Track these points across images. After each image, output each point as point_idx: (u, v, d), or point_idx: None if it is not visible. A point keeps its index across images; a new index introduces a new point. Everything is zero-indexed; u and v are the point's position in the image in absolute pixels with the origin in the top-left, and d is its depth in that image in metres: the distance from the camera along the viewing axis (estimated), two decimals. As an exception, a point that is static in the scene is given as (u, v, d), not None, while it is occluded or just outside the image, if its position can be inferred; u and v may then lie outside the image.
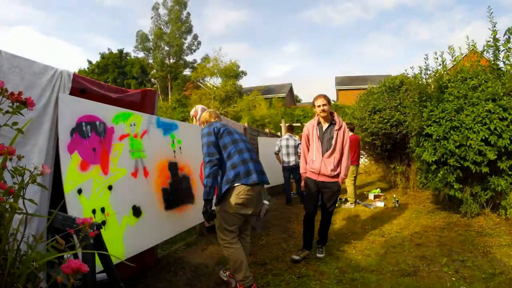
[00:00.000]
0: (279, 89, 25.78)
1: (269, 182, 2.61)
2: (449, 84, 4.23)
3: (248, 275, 2.38)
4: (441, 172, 4.05)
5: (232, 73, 20.43)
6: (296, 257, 3.13)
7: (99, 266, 1.51)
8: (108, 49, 29.95)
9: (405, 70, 6.31)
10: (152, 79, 25.57)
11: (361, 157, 10.34)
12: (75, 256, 1.51)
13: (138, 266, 2.72)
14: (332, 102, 19.52)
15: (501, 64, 4.09)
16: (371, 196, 6.30)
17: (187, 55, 24.93)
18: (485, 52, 4.26)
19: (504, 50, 4.00)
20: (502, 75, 3.96)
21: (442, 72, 4.56)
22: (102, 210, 2.07)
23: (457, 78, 4.23)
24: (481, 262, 2.83)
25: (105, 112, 2.24)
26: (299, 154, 5.73)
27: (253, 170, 2.39)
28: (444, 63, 4.56)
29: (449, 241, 3.47)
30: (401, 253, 3.23)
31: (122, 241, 2.18)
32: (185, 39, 24.31)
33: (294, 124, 14.00)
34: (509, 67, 3.96)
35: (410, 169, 6.28)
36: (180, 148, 3.15)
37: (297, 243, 3.74)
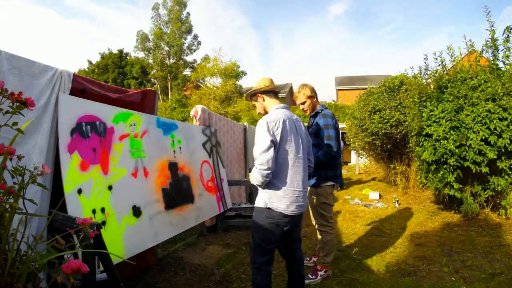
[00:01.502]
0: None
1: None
2: (448, 84, 4.23)
3: None
4: (441, 172, 4.05)
5: (232, 73, 20.42)
6: None
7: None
8: (108, 49, 29.96)
9: (405, 70, 6.32)
10: (152, 79, 25.56)
11: (361, 157, 10.35)
12: (75, 256, 1.51)
13: (138, 266, 2.72)
14: (332, 102, 19.53)
15: (501, 64, 4.10)
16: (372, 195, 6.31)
17: (187, 55, 24.93)
18: (484, 52, 4.27)
19: (503, 49, 4.01)
20: (501, 75, 3.96)
21: (442, 72, 4.57)
22: (102, 210, 2.07)
23: (457, 78, 4.23)
24: (481, 262, 2.83)
25: (105, 112, 2.24)
26: None
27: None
28: (443, 63, 4.57)
29: (449, 241, 3.47)
30: (401, 253, 3.24)
31: (122, 241, 2.18)
32: (185, 39, 24.30)
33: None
34: (508, 67, 3.96)
35: (410, 169, 6.28)
36: (180, 148, 3.15)
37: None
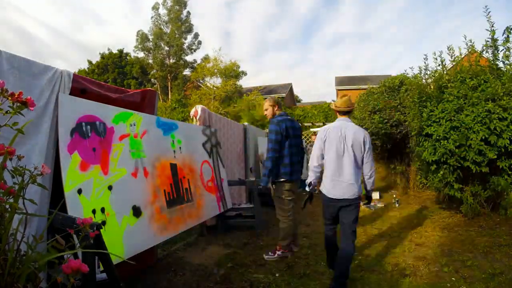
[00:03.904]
0: (279, 89, 25.78)
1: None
2: (449, 84, 4.23)
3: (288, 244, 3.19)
4: (441, 172, 4.05)
5: (232, 73, 20.40)
6: None
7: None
8: (108, 49, 29.88)
9: (405, 71, 6.32)
10: (152, 79, 25.53)
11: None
12: (75, 256, 1.51)
13: (138, 266, 2.72)
14: (332, 102, 19.55)
15: (501, 64, 4.10)
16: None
17: (187, 55, 24.88)
18: (484, 52, 4.27)
19: (503, 49, 4.01)
20: (501, 75, 3.96)
21: (442, 72, 4.57)
22: (102, 210, 2.07)
23: (457, 78, 4.23)
24: (481, 262, 2.83)
25: (105, 112, 2.24)
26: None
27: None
28: (444, 63, 4.57)
29: (449, 241, 3.47)
30: (401, 253, 3.24)
31: (122, 241, 2.18)
32: (185, 39, 24.26)
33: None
34: (508, 67, 3.96)
35: (410, 169, 6.29)
36: (180, 148, 3.15)
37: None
